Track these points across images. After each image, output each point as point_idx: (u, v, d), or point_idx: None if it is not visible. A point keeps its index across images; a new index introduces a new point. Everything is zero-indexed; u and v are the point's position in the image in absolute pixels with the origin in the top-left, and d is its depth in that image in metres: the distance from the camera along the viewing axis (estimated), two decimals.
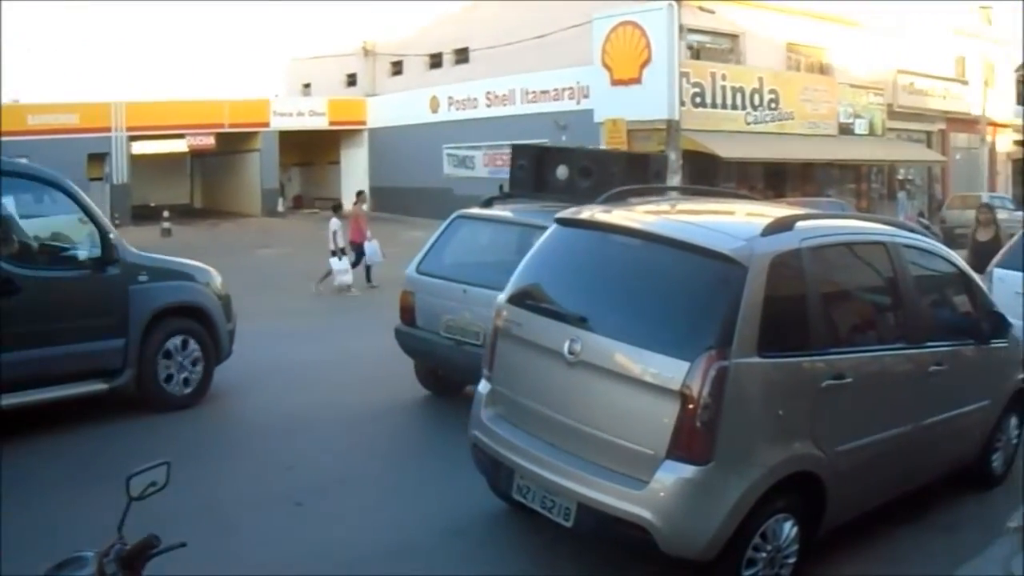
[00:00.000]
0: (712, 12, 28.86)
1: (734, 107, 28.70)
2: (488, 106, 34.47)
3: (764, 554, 5.48)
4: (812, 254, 5.91)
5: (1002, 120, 42.77)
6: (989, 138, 41.98)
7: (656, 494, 5.17)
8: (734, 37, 30.55)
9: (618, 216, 6.36)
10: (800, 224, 5.95)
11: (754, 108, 29.14)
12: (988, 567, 6.41)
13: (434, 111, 37.14)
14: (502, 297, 6.41)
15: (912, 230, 7.75)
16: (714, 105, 28.19)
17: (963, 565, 6.48)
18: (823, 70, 33.32)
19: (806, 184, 30.70)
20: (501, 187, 12.15)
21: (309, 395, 10.31)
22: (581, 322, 5.73)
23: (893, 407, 6.57)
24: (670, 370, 5.23)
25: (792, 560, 5.68)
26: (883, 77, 35.04)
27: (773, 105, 29.78)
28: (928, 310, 7.45)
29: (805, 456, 5.64)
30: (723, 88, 28.53)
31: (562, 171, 10.87)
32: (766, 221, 5.87)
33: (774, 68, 30.97)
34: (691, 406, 5.15)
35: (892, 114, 35.45)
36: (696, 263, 5.60)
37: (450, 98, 36.70)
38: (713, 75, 28.47)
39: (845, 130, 32.62)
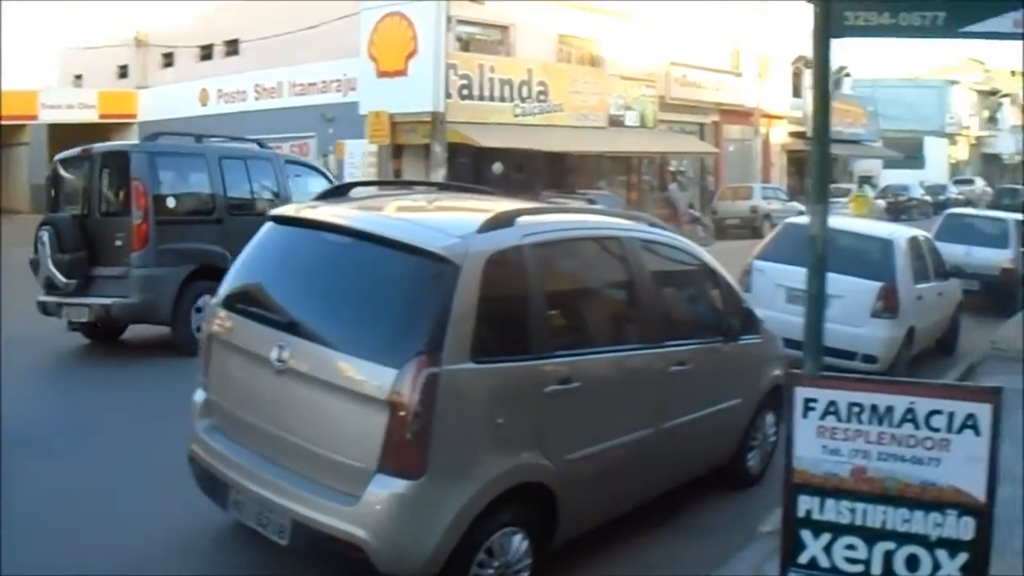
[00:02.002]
0: (482, 3, 30.29)
1: (502, 99, 30.25)
2: (257, 99, 35.29)
3: (491, 570, 5.47)
4: (535, 251, 5.89)
5: (777, 112, 45.49)
6: (763, 130, 45.29)
7: (368, 510, 5.11)
8: (504, 29, 32.10)
9: (328, 212, 6.23)
10: (522, 219, 5.94)
11: (522, 100, 30.78)
12: (739, 571, 6.47)
13: (204, 104, 37.49)
14: (215, 300, 6.32)
15: (654, 224, 7.79)
16: (482, 97, 29.61)
17: (714, 570, 6.57)
18: (594, 62, 35.36)
19: (578, 176, 32.52)
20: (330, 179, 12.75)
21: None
22: (289, 327, 5.65)
23: (630, 411, 6.65)
24: (378, 378, 5.16)
25: (524, 575, 5.70)
26: (656, 69, 37.48)
27: (542, 97, 31.50)
28: (669, 308, 7.57)
29: (531, 466, 5.65)
30: (491, 80, 30.05)
31: (497, 167, 12.82)
32: (485, 216, 5.79)
33: (545, 60, 32.73)
34: (400, 416, 5.09)
35: (664, 106, 37.96)
36: (406, 262, 5.53)
37: (219, 91, 37.09)
38: (481, 67, 29.94)
39: (615, 122, 34.77)
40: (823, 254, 6.51)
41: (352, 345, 5.39)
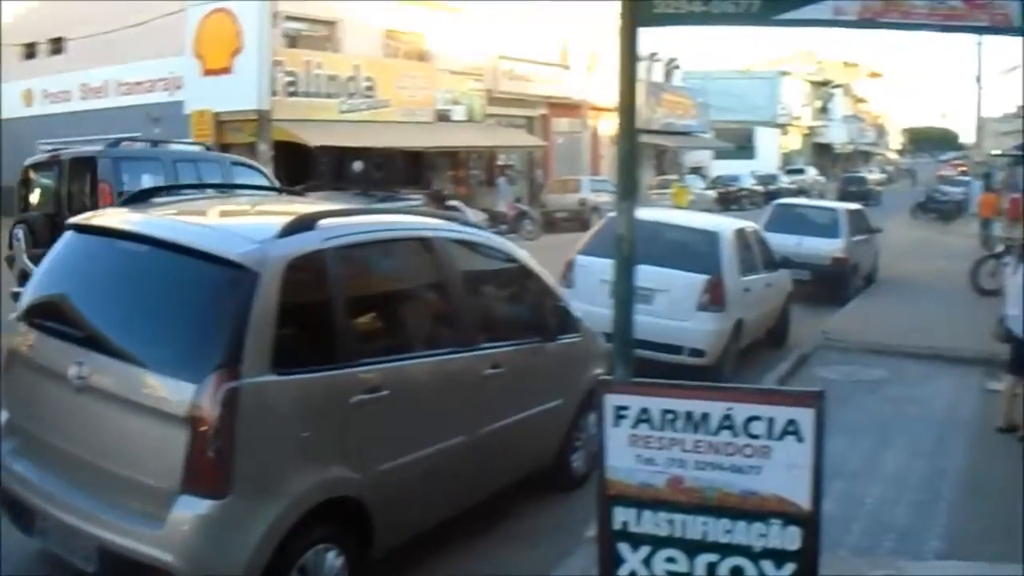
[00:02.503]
0: None
1: (329, 96, 31.62)
2: (83, 99, 35.32)
3: None
4: (338, 255, 5.98)
5: (606, 104, 46.97)
6: (592, 122, 47.61)
7: (174, 533, 5.11)
8: (331, 24, 33.46)
9: (125, 219, 6.26)
10: (325, 222, 6.02)
11: (349, 96, 32.25)
12: None
13: (28, 104, 37.36)
14: (14, 314, 6.34)
15: (467, 223, 8.02)
16: (308, 94, 30.87)
17: None
18: (422, 57, 37.15)
19: (405, 172, 33.21)
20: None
21: None
22: (88, 342, 5.65)
23: (444, 417, 6.79)
24: (177, 394, 5.19)
25: None
26: (484, 63, 39.34)
27: (369, 93, 33.01)
28: (483, 309, 7.75)
29: (340, 480, 5.76)
30: (318, 77, 31.35)
31: (358, 165, 13.87)
32: (287, 220, 5.88)
33: (372, 55, 34.30)
34: (201, 433, 5.11)
35: (493, 100, 39.83)
36: (203, 270, 5.55)
37: (44, 91, 37.13)
38: (308, 63, 31.15)
39: (443, 117, 36.45)
40: (630, 254, 6.36)
41: (151, 360, 5.40)
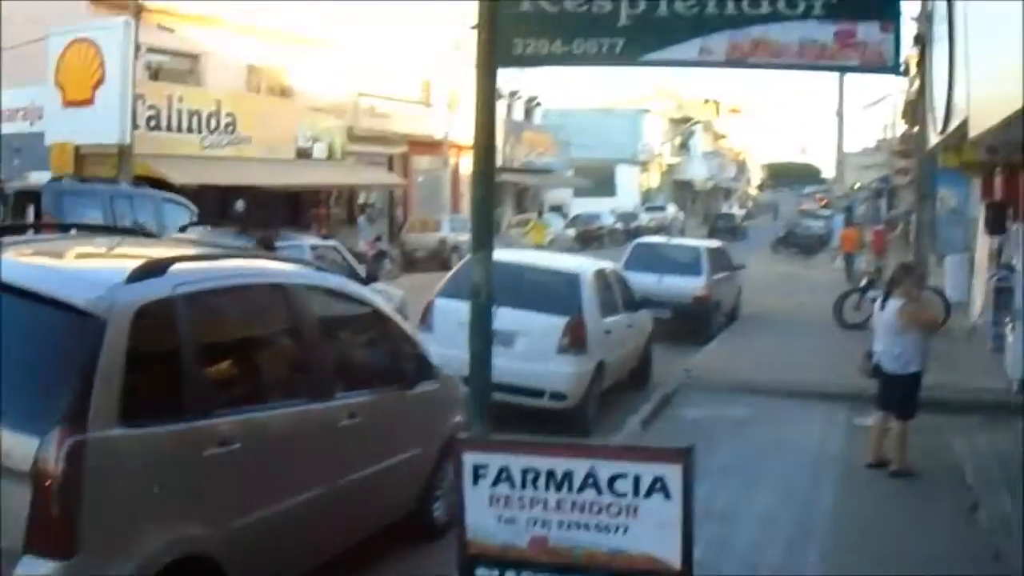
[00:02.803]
0: (172, 31, 31.87)
1: (191, 130, 32.03)
2: None
3: None
4: (189, 302, 5.92)
5: (466, 143, 47.80)
6: (453, 160, 48.86)
7: None
8: (195, 57, 34.16)
9: None
10: (176, 267, 5.93)
11: (211, 132, 32.70)
12: None
13: None
14: None
15: (321, 269, 8.14)
16: (170, 128, 31.22)
17: None
18: (284, 92, 38.21)
19: (265, 209, 33.32)
20: None
21: None
22: None
23: (301, 469, 6.76)
24: (21, 448, 5.03)
25: None
26: (345, 100, 40.46)
27: (230, 129, 33.44)
28: (338, 358, 7.70)
29: (193, 537, 5.66)
30: (180, 111, 31.63)
31: (240, 204, 14.98)
32: (136, 264, 5.77)
33: (234, 89, 35.04)
34: (45, 489, 4.97)
35: (353, 137, 40.69)
36: (48, 316, 5.44)
37: None
38: (170, 97, 31.46)
39: (303, 154, 37.15)
40: (487, 305, 6.36)
41: None
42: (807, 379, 16.71)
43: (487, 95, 6.53)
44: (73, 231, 8.91)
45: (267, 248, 13.16)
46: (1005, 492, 10.48)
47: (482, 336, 6.48)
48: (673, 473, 4.77)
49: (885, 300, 11.55)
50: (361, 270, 18.06)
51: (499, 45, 6.30)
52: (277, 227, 18.55)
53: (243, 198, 18.42)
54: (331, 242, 19.50)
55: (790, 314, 26.62)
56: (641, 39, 6.22)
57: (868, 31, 6.02)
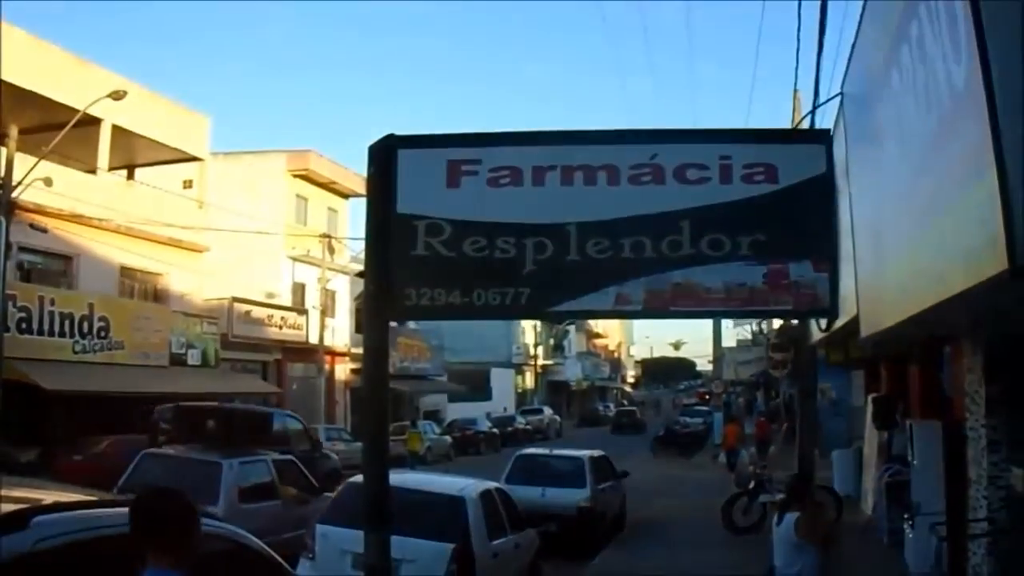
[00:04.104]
0: (45, 231, 31.66)
1: (62, 334, 32.00)
2: None
3: None
4: (56, 558, 5.38)
5: (340, 348, 48.70)
6: (327, 367, 48.96)
7: None
8: (68, 259, 34.31)
9: None
10: (39, 518, 5.43)
11: (83, 336, 32.77)
12: None
13: None
14: None
15: (205, 514, 7.84)
16: (41, 332, 31.11)
17: None
18: (158, 296, 38.64)
19: (138, 418, 33.16)
20: None
21: None
22: None
23: None
24: None
25: None
26: (219, 305, 41.12)
27: (103, 333, 33.63)
28: None
29: None
30: (52, 313, 31.65)
31: (211, 423, 17.94)
32: None
33: (107, 292, 35.22)
34: None
35: (228, 344, 41.20)
36: None
37: None
38: (42, 299, 31.47)
39: (177, 360, 37.43)
40: None
41: None
42: None
43: (379, 348, 5.98)
44: None
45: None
46: None
47: None
48: None
49: (781, 515, 11.42)
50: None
51: (391, 295, 5.76)
52: (249, 445, 18.93)
53: (213, 418, 19.18)
54: (288, 456, 20.02)
55: (677, 520, 26.65)
56: (549, 288, 5.79)
57: (800, 271, 5.81)
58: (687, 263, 5.74)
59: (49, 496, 6.33)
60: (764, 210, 5.78)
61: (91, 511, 6.24)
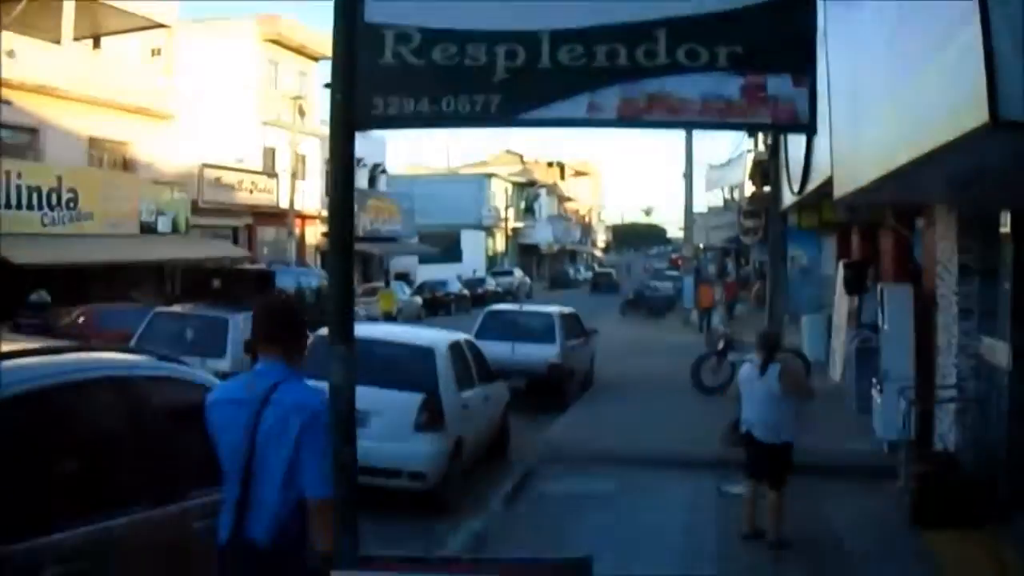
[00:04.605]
0: (9, 103, 31.18)
1: (30, 207, 31.77)
2: None
3: None
4: (16, 404, 5.43)
5: (311, 212, 48.62)
6: (297, 231, 49.08)
7: None
8: (34, 131, 33.88)
9: None
10: (4, 365, 5.46)
11: (51, 208, 32.55)
12: None
13: None
14: None
15: (164, 357, 7.47)
16: (9, 206, 30.82)
17: None
18: (127, 165, 38.37)
19: (109, 286, 33.77)
20: None
21: None
22: None
23: None
24: None
25: None
26: (188, 172, 40.81)
27: (72, 204, 33.41)
28: (189, 454, 6.87)
29: None
30: (19, 187, 31.39)
31: (216, 282, 19.73)
32: None
33: (75, 164, 34.91)
34: None
35: (198, 210, 41.08)
36: None
37: None
38: (8, 173, 31.11)
39: (147, 228, 37.36)
40: (350, 412, 5.65)
41: None
42: (670, 447, 16.74)
43: (345, 162, 5.79)
44: None
45: None
46: (886, 559, 10.92)
47: (346, 441, 5.67)
48: None
49: (765, 366, 11.43)
50: None
51: (357, 105, 5.56)
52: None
53: (217, 276, 21.17)
54: None
55: (645, 379, 26.81)
56: (520, 95, 5.58)
57: (779, 85, 5.63)
58: (662, 72, 5.51)
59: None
60: (743, 22, 5.60)
61: (56, 358, 6.29)
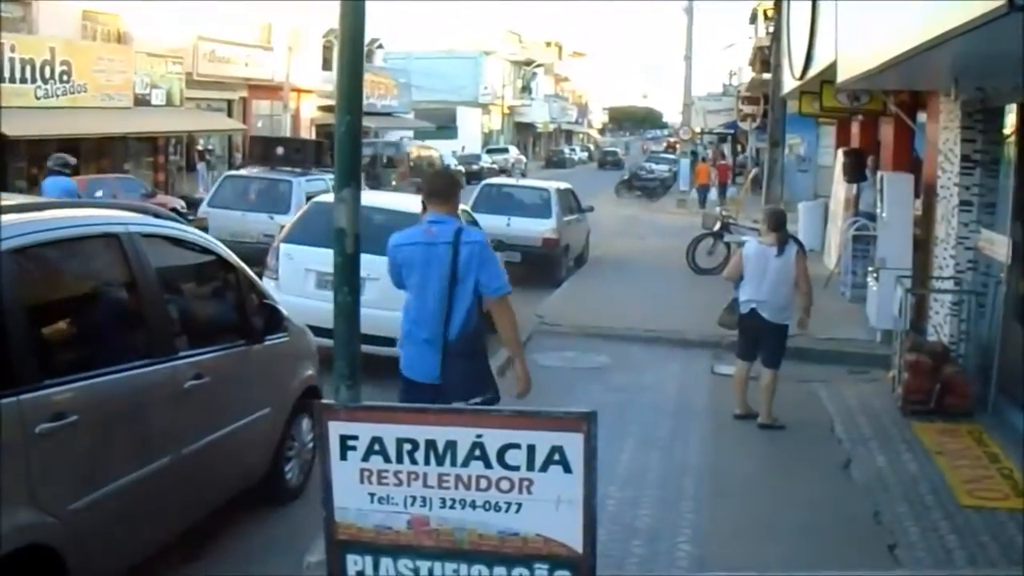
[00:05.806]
0: None
1: (24, 80, 31.25)
2: None
3: None
4: (14, 259, 5.42)
5: (307, 86, 48.33)
6: (293, 104, 48.45)
7: None
8: (27, 4, 33.08)
9: None
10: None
11: (44, 81, 32.04)
12: None
13: None
14: None
15: (159, 215, 7.46)
16: (2, 79, 30.16)
17: None
18: (121, 38, 37.49)
19: (102, 159, 34.30)
20: None
21: None
22: None
23: (143, 440, 6.33)
24: None
25: None
26: (183, 44, 39.93)
27: (65, 77, 32.83)
28: (181, 313, 7.24)
29: (29, 526, 5.16)
30: (12, 61, 30.85)
31: (280, 149, 20.78)
32: None
33: (69, 38, 34.14)
34: None
35: (192, 83, 40.35)
36: None
37: None
38: (1, 46, 30.42)
39: (142, 101, 36.71)
40: (354, 253, 5.87)
41: None
42: (663, 325, 16.74)
43: (354, 26, 5.95)
44: None
45: None
46: (876, 447, 10.90)
47: (349, 287, 5.96)
48: (573, 442, 4.24)
49: (782, 246, 11.42)
50: None
51: None
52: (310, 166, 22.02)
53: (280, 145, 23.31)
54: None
55: (640, 258, 26.82)
56: None
57: None
58: None
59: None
60: None
61: (51, 213, 6.34)
